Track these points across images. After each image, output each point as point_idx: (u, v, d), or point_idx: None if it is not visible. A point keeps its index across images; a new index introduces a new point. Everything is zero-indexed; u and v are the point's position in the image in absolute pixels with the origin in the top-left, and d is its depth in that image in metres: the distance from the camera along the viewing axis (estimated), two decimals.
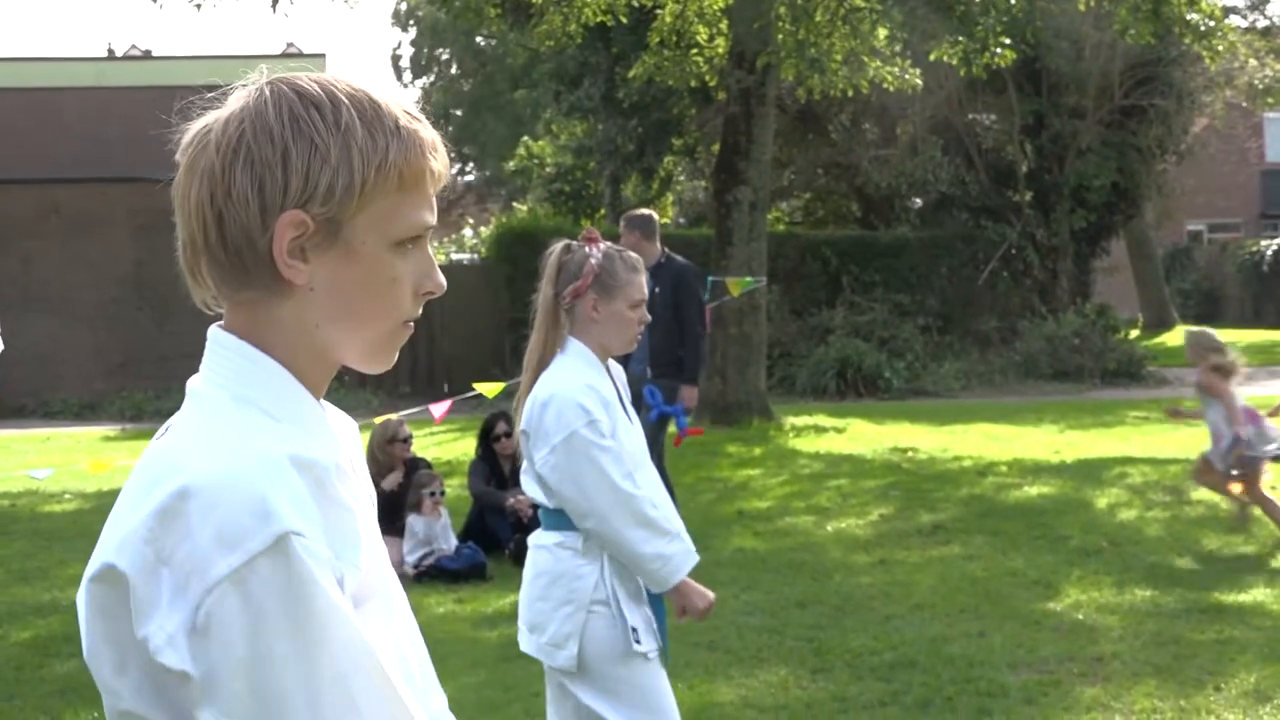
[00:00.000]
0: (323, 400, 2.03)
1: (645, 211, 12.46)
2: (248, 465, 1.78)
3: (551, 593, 4.83)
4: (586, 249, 4.90)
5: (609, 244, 4.98)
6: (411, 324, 2.01)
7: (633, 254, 5.00)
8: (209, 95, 1.96)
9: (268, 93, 1.90)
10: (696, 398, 11.93)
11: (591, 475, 4.72)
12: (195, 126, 1.93)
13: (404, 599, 2.09)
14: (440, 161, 1.98)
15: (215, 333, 1.97)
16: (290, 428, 1.89)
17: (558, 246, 4.94)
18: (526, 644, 4.94)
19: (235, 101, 1.92)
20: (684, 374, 11.74)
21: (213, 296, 1.96)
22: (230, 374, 1.93)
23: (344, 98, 1.91)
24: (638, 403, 11.47)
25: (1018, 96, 29.69)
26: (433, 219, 1.99)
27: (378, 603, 1.93)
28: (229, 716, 1.70)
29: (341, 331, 1.96)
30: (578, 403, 4.73)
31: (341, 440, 2.03)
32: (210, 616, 1.69)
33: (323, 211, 1.88)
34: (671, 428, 11.96)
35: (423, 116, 1.99)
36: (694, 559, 4.90)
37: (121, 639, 1.77)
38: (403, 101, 1.98)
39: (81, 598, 1.83)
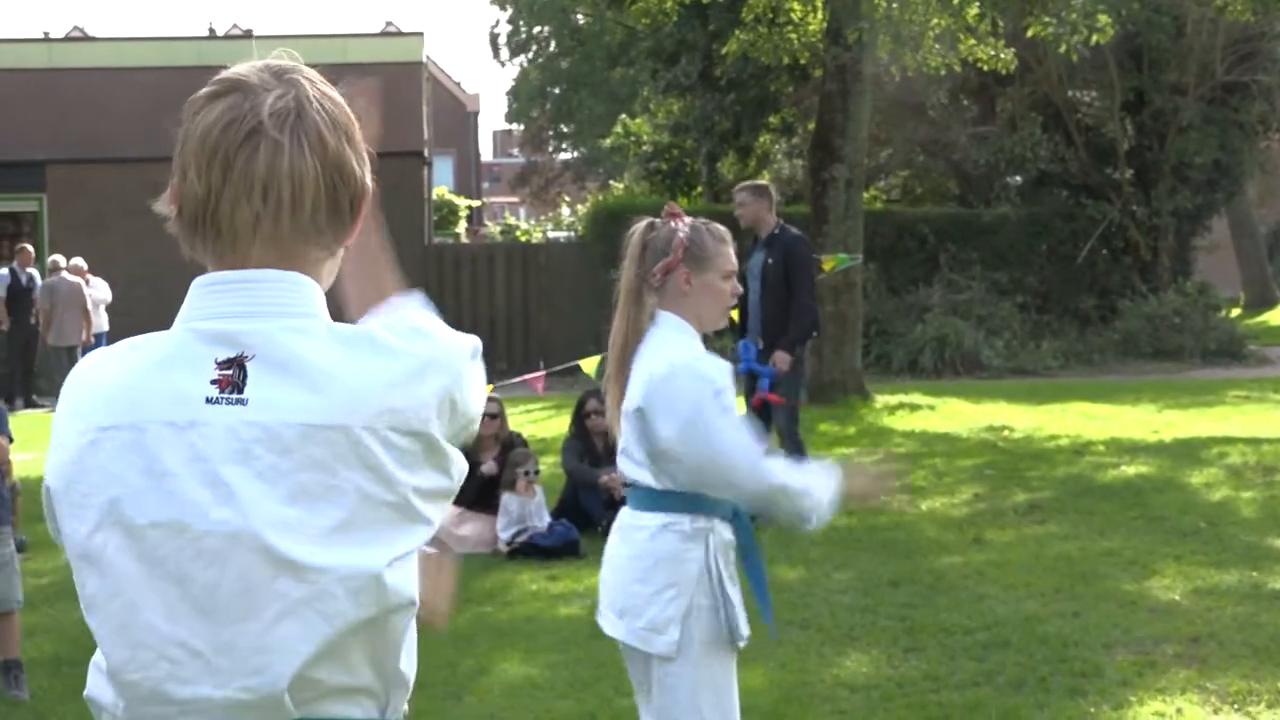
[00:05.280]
0: None
1: (762, 181, 12.48)
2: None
3: (653, 576, 4.64)
4: (672, 224, 4.82)
5: (693, 217, 4.91)
6: None
7: (719, 225, 4.92)
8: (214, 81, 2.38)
9: (312, 75, 2.28)
10: (788, 363, 11.73)
11: (727, 441, 4.55)
12: (252, 105, 2.24)
13: None
14: None
15: (293, 274, 2.26)
16: None
17: (640, 225, 4.85)
18: (614, 629, 4.76)
19: (280, 85, 2.24)
20: (782, 340, 11.67)
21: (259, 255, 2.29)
22: (298, 303, 2.26)
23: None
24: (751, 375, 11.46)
25: (1118, 73, 29.28)
26: None
27: None
28: None
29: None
30: (702, 372, 4.60)
31: None
32: None
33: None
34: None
35: None
36: (838, 471, 4.70)
37: None
38: None
39: None
